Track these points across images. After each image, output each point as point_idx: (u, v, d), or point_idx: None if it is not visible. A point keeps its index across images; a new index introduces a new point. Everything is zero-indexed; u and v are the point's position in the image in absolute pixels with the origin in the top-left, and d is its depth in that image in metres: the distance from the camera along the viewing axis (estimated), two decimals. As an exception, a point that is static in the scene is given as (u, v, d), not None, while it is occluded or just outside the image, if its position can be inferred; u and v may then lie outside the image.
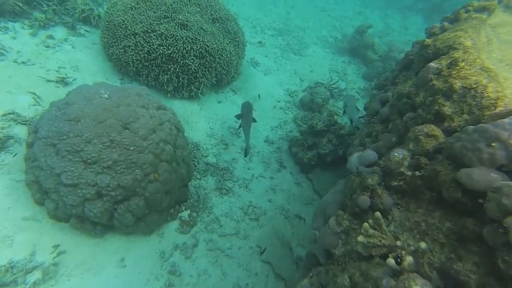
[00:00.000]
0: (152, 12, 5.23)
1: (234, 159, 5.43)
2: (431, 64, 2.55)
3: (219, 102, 6.17)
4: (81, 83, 4.15)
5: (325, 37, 9.40)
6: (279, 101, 6.75)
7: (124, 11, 5.17)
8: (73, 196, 2.83)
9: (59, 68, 4.97)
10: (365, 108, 4.24)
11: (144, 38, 5.02)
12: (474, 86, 2.18)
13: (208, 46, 5.34)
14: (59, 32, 5.53)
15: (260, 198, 5.07)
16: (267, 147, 5.87)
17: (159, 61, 5.12)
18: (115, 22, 5.11)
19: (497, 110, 2.06)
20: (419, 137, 2.20)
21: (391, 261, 1.72)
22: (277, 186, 5.33)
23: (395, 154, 2.25)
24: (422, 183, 2.11)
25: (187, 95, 5.56)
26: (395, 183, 2.25)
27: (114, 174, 3.04)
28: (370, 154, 2.68)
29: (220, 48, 5.54)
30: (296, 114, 6.56)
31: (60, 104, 3.21)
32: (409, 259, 1.69)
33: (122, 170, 3.16)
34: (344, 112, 5.18)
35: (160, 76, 5.24)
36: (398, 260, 1.83)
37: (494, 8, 3.55)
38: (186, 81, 5.38)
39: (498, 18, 3.63)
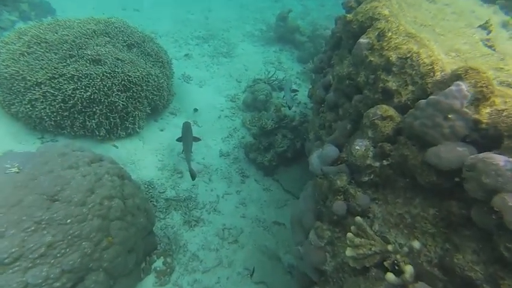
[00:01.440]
0: (53, 54, 4.57)
1: (193, 185, 5.03)
2: (362, 40, 2.40)
3: (161, 130, 5.68)
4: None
5: (250, 32, 9.20)
6: (222, 110, 6.42)
7: (14, 59, 4.43)
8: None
9: None
10: (310, 97, 4.08)
11: (53, 85, 4.36)
12: (408, 54, 2.05)
13: (130, 76, 4.82)
14: None
15: (232, 218, 4.75)
16: (224, 161, 5.53)
17: (80, 107, 4.51)
18: (6, 75, 4.34)
19: (437, 75, 1.93)
20: (375, 121, 2.02)
21: (390, 277, 1.51)
22: (246, 199, 5.04)
23: (357, 147, 2.06)
24: (393, 172, 1.93)
25: (124, 133, 5.01)
26: (366, 179, 2.06)
27: (53, 261, 2.52)
28: (330, 151, 2.48)
29: (144, 75, 5.05)
30: (243, 117, 6.29)
31: None
32: (409, 270, 1.49)
33: (63, 250, 2.63)
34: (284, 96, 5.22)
35: (87, 122, 4.62)
36: (396, 268, 1.63)
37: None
38: (118, 120, 4.83)
39: None
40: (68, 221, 2.77)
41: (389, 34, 2.26)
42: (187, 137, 4.58)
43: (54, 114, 4.39)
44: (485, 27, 3.11)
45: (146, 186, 4.74)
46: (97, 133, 4.73)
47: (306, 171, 5.66)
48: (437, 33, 2.94)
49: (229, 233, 4.55)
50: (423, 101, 1.72)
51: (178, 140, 4.68)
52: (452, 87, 1.65)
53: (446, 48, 2.59)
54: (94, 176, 3.32)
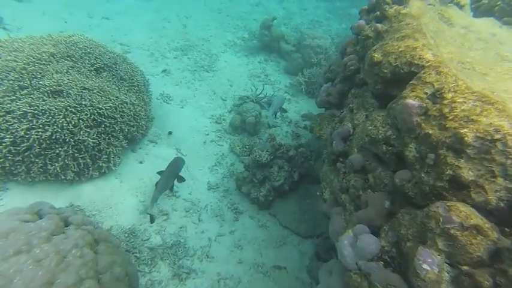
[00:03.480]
0: (-5, 86, 3.63)
1: (181, 227, 4.31)
2: (410, 102, 1.77)
3: (140, 163, 4.86)
4: None
5: (232, 41, 8.38)
6: (208, 134, 5.66)
7: None
8: None
9: None
10: (317, 136, 3.41)
11: (-2, 126, 3.45)
12: (497, 136, 1.43)
13: (101, 108, 3.97)
14: None
15: (228, 264, 4.08)
16: (213, 195, 4.82)
17: (38, 149, 3.63)
18: None
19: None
20: (453, 232, 1.39)
21: None
22: (242, 240, 4.37)
23: (426, 268, 1.44)
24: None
25: (98, 173, 4.17)
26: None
27: None
28: (370, 242, 1.86)
29: (118, 105, 4.21)
30: (231, 142, 5.57)
31: None
32: None
33: None
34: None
35: (49, 166, 3.75)
36: None
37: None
38: (88, 160, 3.98)
39: (415, 6, 3.03)
40: None
41: (450, 95, 1.64)
42: (165, 176, 3.96)
43: (1, 160, 3.48)
44: (525, 62, 2.58)
45: (127, 235, 3.96)
46: (62, 177, 3.86)
47: (303, 202, 5.09)
48: (480, 72, 2.37)
49: (226, 284, 3.89)
50: None
51: (159, 173, 4.04)
52: None
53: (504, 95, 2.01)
54: (55, 256, 2.53)
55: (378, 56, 2.21)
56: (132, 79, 4.81)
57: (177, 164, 4.17)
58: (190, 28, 8.44)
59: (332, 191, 2.59)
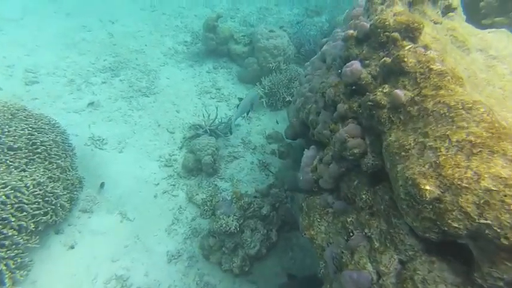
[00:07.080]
0: None
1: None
2: None
3: (71, 248, 3.52)
4: None
5: (173, 48, 6.67)
6: (158, 183, 4.34)
7: None
8: None
9: None
10: (304, 235, 2.27)
11: None
12: None
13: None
14: None
15: None
16: (176, 269, 3.66)
17: None
18: None
19: None
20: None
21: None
22: (219, 332, 3.32)
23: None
24: None
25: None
26: None
27: None
28: None
29: (8, 195, 2.72)
30: (188, 189, 4.33)
31: None
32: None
33: None
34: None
35: None
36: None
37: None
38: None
39: (428, 36, 1.96)
40: None
41: None
42: None
43: None
44: None
45: None
46: None
47: (285, 257, 4.09)
48: None
49: None
50: None
51: None
52: None
53: None
54: None
55: (431, 189, 1.11)
56: (34, 143, 3.25)
57: None
58: (119, 37, 6.55)
59: None
